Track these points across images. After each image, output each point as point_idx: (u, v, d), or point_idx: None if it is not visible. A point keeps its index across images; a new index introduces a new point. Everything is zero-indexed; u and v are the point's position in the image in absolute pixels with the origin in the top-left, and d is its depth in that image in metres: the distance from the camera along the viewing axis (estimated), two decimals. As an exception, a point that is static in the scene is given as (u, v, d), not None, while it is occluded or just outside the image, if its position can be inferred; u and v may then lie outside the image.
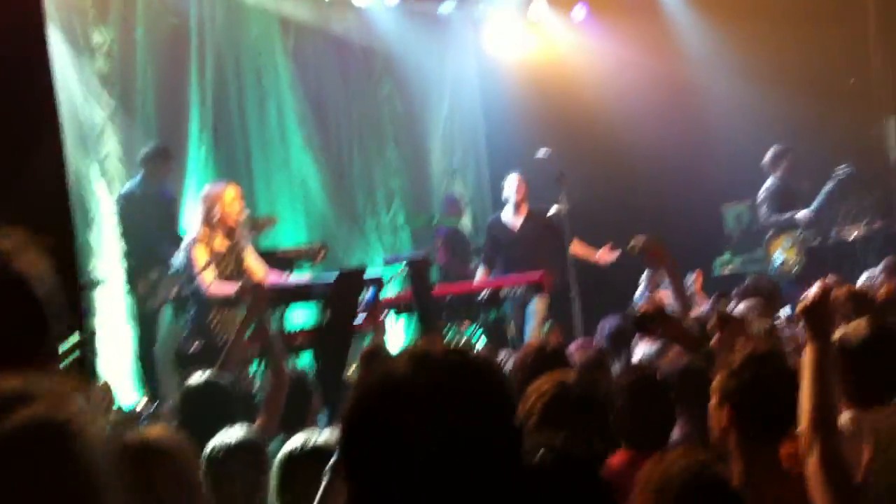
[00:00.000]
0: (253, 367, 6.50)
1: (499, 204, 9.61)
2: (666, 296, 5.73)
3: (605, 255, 8.56)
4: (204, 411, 4.04)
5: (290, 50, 10.11)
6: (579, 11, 11.09)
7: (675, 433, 3.63)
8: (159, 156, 8.17)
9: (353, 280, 6.52)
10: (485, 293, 8.01)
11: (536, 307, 8.26)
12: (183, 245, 6.71)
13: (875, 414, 3.02)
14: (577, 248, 8.57)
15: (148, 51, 9.09)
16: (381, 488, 1.47)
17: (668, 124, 10.43)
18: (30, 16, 4.84)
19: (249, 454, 3.38)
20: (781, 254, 9.24)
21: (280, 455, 3.16)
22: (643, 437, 3.43)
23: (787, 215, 9.21)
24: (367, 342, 5.98)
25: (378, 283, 6.67)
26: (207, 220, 6.62)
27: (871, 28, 10.89)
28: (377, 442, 1.47)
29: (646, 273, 7.14)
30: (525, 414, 3.11)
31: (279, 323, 6.77)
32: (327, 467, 2.64)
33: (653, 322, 4.33)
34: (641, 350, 4.82)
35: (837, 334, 3.19)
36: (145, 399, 7.61)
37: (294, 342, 6.54)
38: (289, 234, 9.26)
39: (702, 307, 5.81)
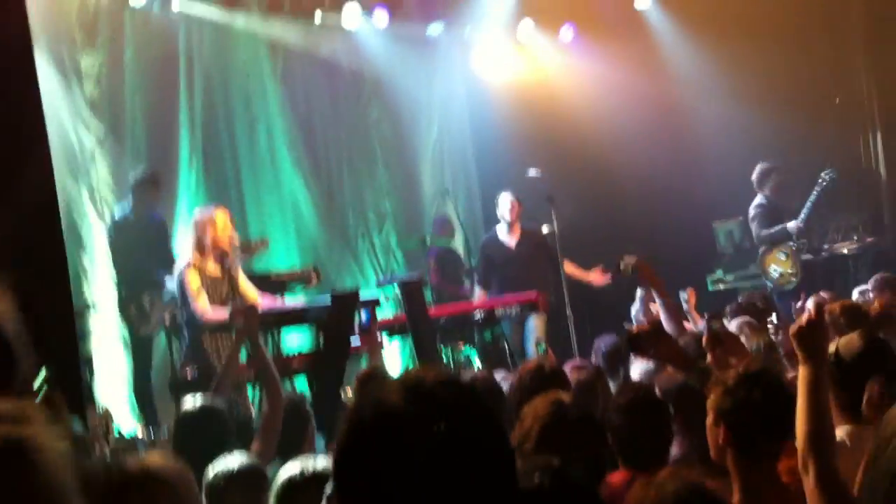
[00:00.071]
0: (249, 392, 6.48)
1: (491, 224, 9.62)
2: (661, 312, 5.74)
3: (597, 278, 8.60)
4: (199, 436, 4.02)
5: (279, 73, 10.12)
6: (567, 33, 11.14)
7: (675, 450, 3.62)
8: (148, 181, 8.16)
9: (347, 302, 6.50)
10: (480, 313, 8.01)
11: (535, 324, 8.30)
12: (175, 271, 6.68)
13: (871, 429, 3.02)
14: (568, 268, 8.58)
15: (136, 76, 9.10)
16: None
17: (657, 143, 10.46)
18: (17, 42, 4.85)
19: (250, 480, 3.36)
20: (777, 267, 9.26)
21: (279, 481, 3.14)
22: (642, 456, 3.41)
23: (778, 227, 9.24)
24: (363, 364, 5.97)
25: (373, 305, 6.65)
26: (199, 245, 6.60)
27: (858, 45, 10.98)
28: (370, 474, 1.46)
29: (640, 289, 7.16)
30: (522, 436, 3.10)
31: (274, 347, 6.76)
32: (325, 497, 2.63)
33: (646, 342, 4.33)
34: (639, 367, 4.82)
35: (831, 348, 3.19)
36: (143, 426, 7.59)
37: (290, 366, 6.52)
38: (280, 257, 9.24)
39: (699, 324, 5.82)
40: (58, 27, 8.56)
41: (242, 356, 5.47)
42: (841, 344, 3.31)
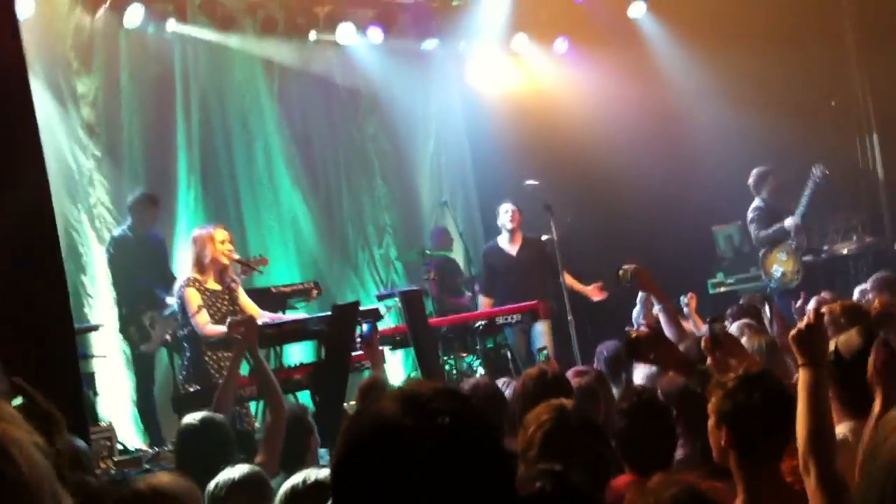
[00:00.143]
0: (252, 406, 6.49)
1: (490, 234, 9.65)
2: (661, 317, 5.74)
3: (595, 293, 8.62)
4: (201, 449, 4.02)
5: (275, 92, 10.17)
6: (561, 44, 11.17)
7: (678, 453, 3.62)
8: (147, 201, 8.20)
9: (347, 314, 6.51)
10: (481, 322, 8.03)
11: (541, 329, 8.35)
12: (175, 288, 6.70)
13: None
14: (567, 280, 8.60)
15: (133, 99, 9.15)
16: None
17: (654, 151, 10.48)
18: (11, 67, 4.88)
19: (253, 489, 3.36)
20: (779, 267, 9.26)
21: (282, 490, 3.15)
22: (646, 460, 3.41)
23: (776, 227, 9.24)
24: (365, 375, 5.97)
25: (374, 316, 6.66)
26: (198, 262, 6.62)
27: (851, 48, 11.01)
28: (367, 485, 1.46)
29: (641, 293, 7.15)
30: (525, 443, 3.10)
31: (277, 360, 6.78)
32: None
33: (645, 347, 4.33)
34: (642, 372, 4.82)
35: (831, 346, 3.20)
36: (147, 442, 7.62)
37: (292, 378, 6.53)
38: (281, 273, 9.26)
39: (701, 328, 5.82)
40: (53, 52, 8.62)
41: (244, 369, 5.48)
42: (840, 342, 3.31)
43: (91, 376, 7.53)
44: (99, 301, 8.48)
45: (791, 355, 3.28)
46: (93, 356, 7.84)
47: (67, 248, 8.01)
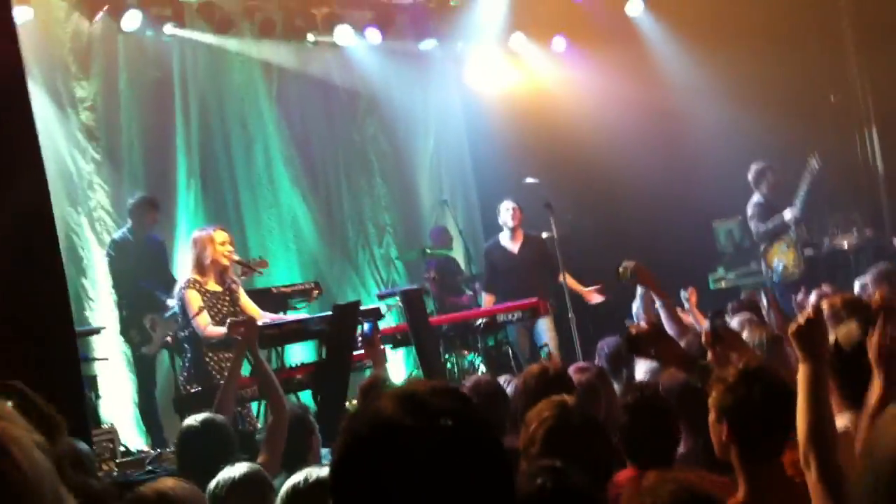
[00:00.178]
0: (254, 406, 6.50)
1: (490, 233, 9.64)
2: (662, 313, 5.75)
3: (593, 297, 8.60)
4: (202, 450, 4.02)
5: (274, 94, 10.18)
6: (559, 43, 11.17)
7: (680, 448, 3.62)
8: (146, 205, 8.21)
9: (348, 314, 6.52)
10: (482, 320, 8.04)
11: (546, 325, 8.37)
12: (176, 290, 6.72)
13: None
14: (567, 281, 8.59)
15: (132, 102, 9.17)
16: None
17: (654, 148, 10.48)
18: (9, 73, 4.89)
19: (254, 487, 3.36)
20: (781, 259, 9.26)
21: (284, 489, 3.15)
22: (648, 456, 3.41)
23: (775, 219, 9.25)
24: (367, 374, 5.97)
25: (375, 315, 6.66)
26: (199, 264, 6.63)
27: (849, 45, 11.01)
28: (366, 485, 1.47)
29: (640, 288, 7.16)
30: (527, 440, 3.10)
31: (278, 360, 6.78)
32: None
33: (645, 343, 4.33)
34: (644, 367, 4.82)
35: (831, 338, 3.20)
36: (149, 444, 7.64)
37: (294, 378, 6.54)
38: (282, 274, 9.27)
39: (703, 324, 5.82)
40: (52, 57, 8.65)
41: (245, 369, 5.48)
42: (840, 334, 3.31)
43: (93, 379, 7.56)
44: (100, 304, 8.50)
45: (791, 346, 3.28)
46: (94, 359, 7.88)
47: (68, 252, 8.04)
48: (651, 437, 3.48)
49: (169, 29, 9.24)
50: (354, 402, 6.31)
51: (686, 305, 6.64)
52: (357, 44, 10.40)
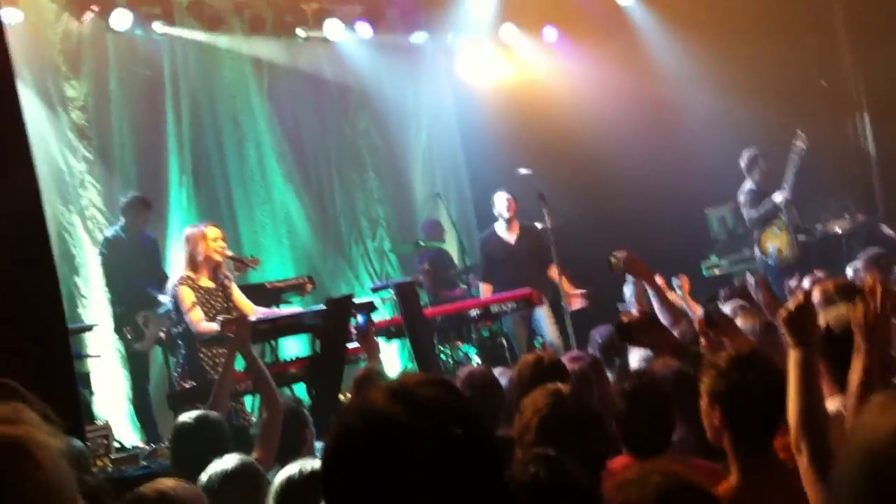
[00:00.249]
0: (248, 401, 6.51)
1: (484, 225, 9.64)
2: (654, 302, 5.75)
3: (575, 301, 8.55)
4: (196, 446, 4.02)
5: (265, 90, 10.17)
6: (550, 33, 11.16)
7: (673, 435, 3.62)
8: (139, 204, 8.21)
9: (342, 307, 6.53)
10: (476, 311, 8.04)
11: (543, 313, 8.36)
12: (169, 287, 6.73)
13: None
14: (555, 276, 8.58)
15: (123, 101, 9.17)
16: None
17: (646, 137, 10.48)
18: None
19: (246, 479, 3.37)
20: (775, 243, 9.25)
21: (277, 480, 3.15)
22: (644, 443, 3.42)
23: (765, 203, 9.24)
24: (362, 367, 5.98)
25: (369, 308, 6.67)
26: (191, 261, 6.64)
27: (841, 31, 11.03)
28: (357, 479, 1.47)
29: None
30: (522, 428, 3.11)
31: (272, 354, 6.79)
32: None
33: (637, 331, 4.34)
34: (638, 355, 4.83)
35: (821, 322, 3.20)
36: (143, 439, 7.65)
37: (288, 372, 6.54)
38: (275, 269, 9.28)
39: (697, 311, 5.83)
40: (42, 57, 8.65)
41: (239, 365, 5.49)
42: (831, 317, 3.31)
43: (87, 376, 7.58)
44: (93, 302, 8.50)
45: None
46: (88, 356, 7.88)
47: (60, 251, 8.04)
48: (648, 423, 3.48)
49: (159, 27, 9.24)
50: (349, 394, 6.31)
51: (679, 293, 6.65)
52: (347, 38, 10.39)
